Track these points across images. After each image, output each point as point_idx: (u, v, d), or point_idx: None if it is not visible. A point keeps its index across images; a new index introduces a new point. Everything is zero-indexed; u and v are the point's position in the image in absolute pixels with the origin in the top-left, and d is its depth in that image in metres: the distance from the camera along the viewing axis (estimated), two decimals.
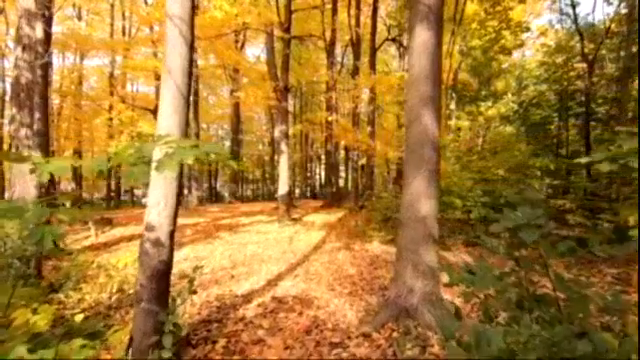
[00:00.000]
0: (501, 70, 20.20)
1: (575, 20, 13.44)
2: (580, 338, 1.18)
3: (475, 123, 20.73)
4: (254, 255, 7.18)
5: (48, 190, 7.26)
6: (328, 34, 15.99)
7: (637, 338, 1.26)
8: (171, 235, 2.95)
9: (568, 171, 13.85)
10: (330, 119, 14.15)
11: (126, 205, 23.64)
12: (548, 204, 9.70)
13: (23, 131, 5.95)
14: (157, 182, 2.89)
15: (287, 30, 11.50)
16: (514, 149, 11.86)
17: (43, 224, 1.89)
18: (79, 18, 21.49)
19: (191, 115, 21.41)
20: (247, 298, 4.66)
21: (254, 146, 34.59)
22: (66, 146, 21.13)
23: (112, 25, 21.55)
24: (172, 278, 5.10)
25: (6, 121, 16.97)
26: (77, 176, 20.76)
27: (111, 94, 20.04)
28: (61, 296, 3.87)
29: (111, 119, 18.93)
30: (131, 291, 4.30)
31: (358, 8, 15.74)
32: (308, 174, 34.51)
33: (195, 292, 3.03)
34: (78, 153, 20.81)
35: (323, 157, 27.37)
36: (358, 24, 15.72)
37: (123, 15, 22.08)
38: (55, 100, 21.27)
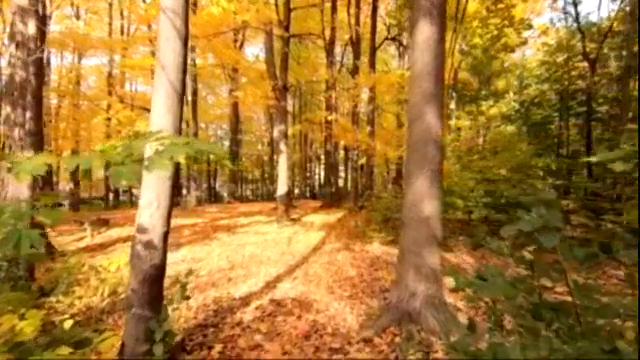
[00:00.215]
0: (502, 69, 20.10)
1: (577, 18, 13.33)
2: (611, 355, 1.07)
3: (475, 123, 20.63)
4: (252, 256, 7.06)
5: (43, 190, 7.15)
6: (327, 33, 15.87)
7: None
8: (164, 237, 2.83)
9: (569, 171, 13.77)
10: (330, 118, 14.03)
11: (124, 205, 23.51)
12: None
13: (16, 130, 5.83)
14: (149, 182, 2.78)
15: (286, 28, 11.39)
16: (515, 149, 11.75)
17: (26, 226, 1.78)
18: (77, 17, 21.37)
19: (190, 115, 21.31)
20: (245, 301, 4.54)
21: (253, 146, 34.47)
22: (64, 146, 20.99)
23: (110, 24, 21.43)
24: (168, 280, 4.99)
25: (2, 120, 16.83)
26: (75, 176, 20.60)
27: (109, 94, 19.94)
28: (53, 300, 3.74)
29: (109, 119, 18.82)
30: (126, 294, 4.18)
31: (358, 7, 15.63)
32: (307, 174, 34.39)
33: (188, 298, 2.91)
34: (76, 153, 20.67)
35: (322, 157, 27.25)
36: (358, 23, 15.62)
37: (121, 14, 21.97)
38: (53, 100, 21.15)
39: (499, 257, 7.63)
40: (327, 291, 4.96)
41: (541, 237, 1.24)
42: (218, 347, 3.28)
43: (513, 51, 16.49)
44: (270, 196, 26.42)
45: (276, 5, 11.49)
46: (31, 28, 5.36)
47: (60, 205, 23.50)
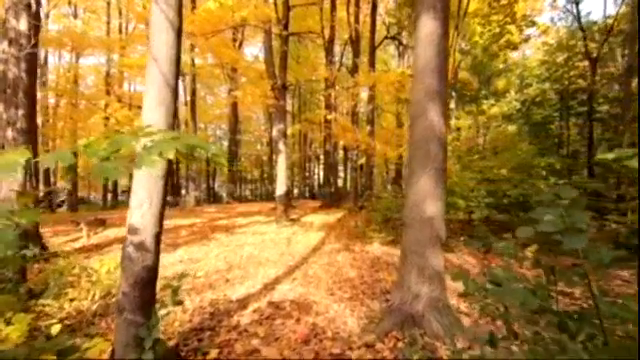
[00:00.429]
0: (502, 69, 20.01)
1: (578, 17, 13.22)
2: None
3: (475, 122, 20.54)
4: (251, 257, 6.94)
5: (37, 189, 7.02)
6: (327, 32, 15.77)
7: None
8: (157, 238, 2.71)
9: (569, 171, 13.67)
10: (329, 117, 13.92)
11: (123, 205, 23.33)
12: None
13: (9, 129, 5.71)
14: (141, 180, 2.65)
15: (285, 26, 11.29)
16: (517, 148, 11.64)
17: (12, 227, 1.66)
18: (75, 16, 21.25)
19: (189, 115, 21.23)
20: (242, 303, 4.41)
21: (252, 146, 34.34)
22: (61, 146, 20.87)
23: (108, 23, 21.31)
24: (163, 282, 4.87)
25: None
26: (74, 176, 20.43)
27: (107, 93, 19.80)
28: (43, 303, 3.61)
29: (107, 118, 18.70)
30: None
31: (357, 5, 15.54)
32: (306, 174, 34.29)
33: (180, 303, 2.78)
34: (74, 153, 20.48)
35: (322, 157, 27.14)
36: (357, 21, 15.52)
37: (120, 13, 21.86)
38: (51, 99, 21.03)
39: (501, 258, 7.53)
40: (327, 293, 4.83)
41: (566, 239, 1.11)
42: (214, 353, 3.15)
43: (516, 48, 16.39)
44: (269, 196, 26.32)
45: (275, 3, 11.38)
46: (22, 24, 5.23)
47: (59, 205, 23.41)
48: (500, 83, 21.63)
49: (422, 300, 3.43)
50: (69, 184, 20.38)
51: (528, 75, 19.53)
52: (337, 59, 20.16)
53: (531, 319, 1.70)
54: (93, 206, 25.34)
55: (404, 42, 20.04)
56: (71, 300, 3.94)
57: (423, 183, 3.58)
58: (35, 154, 6.30)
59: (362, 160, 17.25)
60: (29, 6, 5.40)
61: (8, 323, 2.40)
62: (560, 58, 16.93)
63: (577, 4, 13.25)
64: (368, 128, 14.85)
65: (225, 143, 29.99)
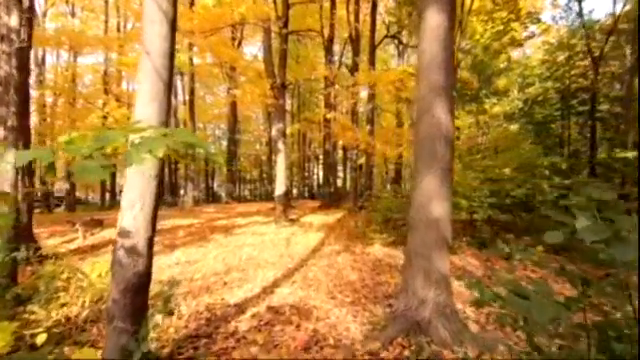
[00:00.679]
0: (502, 68, 19.87)
1: (580, 15, 13.08)
2: None
3: (476, 121, 20.42)
4: (249, 259, 6.78)
5: (32, 188, 6.85)
6: (326, 30, 15.64)
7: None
8: (149, 242, 2.56)
9: (571, 170, 13.54)
10: (329, 117, 13.77)
11: None
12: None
13: (1, 128, 5.54)
14: (133, 181, 2.50)
15: (284, 25, 11.14)
16: (519, 148, 11.50)
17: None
18: (72, 15, 21.08)
19: (187, 114, 21.03)
20: (240, 308, 4.25)
21: (251, 146, 34.17)
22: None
23: (106, 22, 21.14)
24: (159, 286, 4.72)
25: None
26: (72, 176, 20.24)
27: (105, 92, 19.62)
28: (34, 308, 3.44)
29: (105, 117, 18.51)
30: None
31: (357, 4, 15.40)
32: (306, 174, 34.15)
33: (172, 313, 2.62)
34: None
35: (321, 157, 26.99)
36: (357, 19, 15.37)
37: (117, 11, 21.68)
38: (48, 98, 20.84)
39: (503, 259, 7.39)
40: (327, 297, 4.68)
41: (612, 250, 0.97)
42: None
43: (521, 45, 16.24)
44: (268, 196, 26.16)
45: (274, 1, 11.24)
46: (14, 19, 5.07)
47: (57, 205, 23.21)
48: (500, 82, 21.48)
49: (428, 306, 3.28)
50: (67, 184, 20.18)
51: (529, 74, 19.40)
52: (337, 58, 20.03)
53: (556, 333, 1.55)
54: (91, 206, 25.15)
55: (404, 41, 19.92)
56: (62, 305, 3.79)
57: (428, 183, 3.43)
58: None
59: (362, 160, 17.10)
60: (20, 1, 5.23)
61: None
62: (561, 57, 16.79)
63: (580, 1, 13.09)
64: (368, 127, 14.70)
65: (224, 143, 29.84)
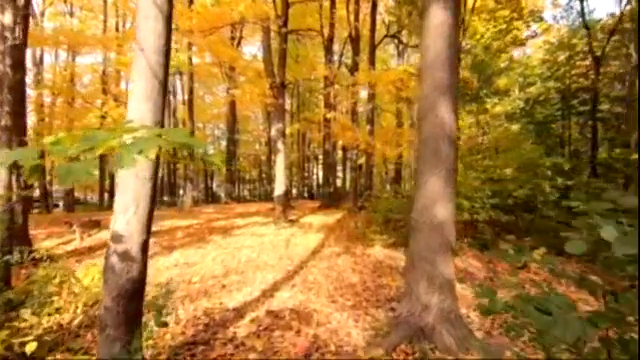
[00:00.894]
0: (502, 68, 19.80)
1: (582, 14, 13.00)
2: None
3: (476, 121, 20.34)
4: (248, 261, 6.68)
5: (29, 189, 6.75)
6: (326, 30, 15.55)
7: None
8: (144, 247, 2.45)
9: (572, 170, 13.45)
10: (329, 116, 13.66)
11: None
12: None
13: None
14: (126, 183, 2.40)
15: (284, 24, 11.04)
16: (520, 148, 11.42)
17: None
18: (71, 15, 20.98)
19: (186, 114, 20.92)
20: (239, 313, 4.15)
21: (251, 146, 34.06)
22: None
23: (105, 22, 21.00)
24: (156, 289, 4.62)
25: None
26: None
27: (104, 92, 19.51)
28: (26, 315, 3.32)
29: (104, 117, 18.40)
30: None
31: (357, 3, 15.30)
32: (305, 174, 34.04)
33: (166, 324, 2.52)
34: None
35: (320, 157, 26.90)
36: (357, 19, 15.28)
37: (116, 12, 21.55)
38: (47, 98, 20.73)
39: (504, 261, 7.29)
40: (328, 300, 4.58)
41: None
42: None
43: (523, 44, 16.16)
44: (268, 196, 26.06)
45: (273, 1, 11.13)
46: (7, 17, 4.96)
47: (55, 206, 23.08)
48: (501, 82, 21.43)
49: (432, 311, 3.18)
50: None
51: (529, 74, 19.34)
52: (336, 58, 19.93)
53: (575, 347, 1.45)
54: (90, 206, 25.04)
55: (404, 41, 19.83)
56: (57, 309, 3.68)
57: (433, 185, 3.34)
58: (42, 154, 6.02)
59: (362, 160, 17.01)
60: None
61: None
62: (561, 57, 16.73)
63: (582, 0, 12.99)
64: (368, 127, 14.61)
65: (223, 143, 29.73)
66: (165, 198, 26.95)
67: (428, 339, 3.08)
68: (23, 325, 3.11)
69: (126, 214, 2.37)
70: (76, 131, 19.80)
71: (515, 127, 17.54)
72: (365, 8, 16.84)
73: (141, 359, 2.21)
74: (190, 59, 18.75)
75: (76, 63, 21.09)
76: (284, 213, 10.89)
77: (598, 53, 13.11)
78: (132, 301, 2.38)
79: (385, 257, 6.98)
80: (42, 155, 1.41)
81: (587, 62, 15.18)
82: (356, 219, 11.42)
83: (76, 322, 3.44)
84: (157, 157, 2.43)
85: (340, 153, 23.52)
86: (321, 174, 24.23)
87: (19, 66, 5.36)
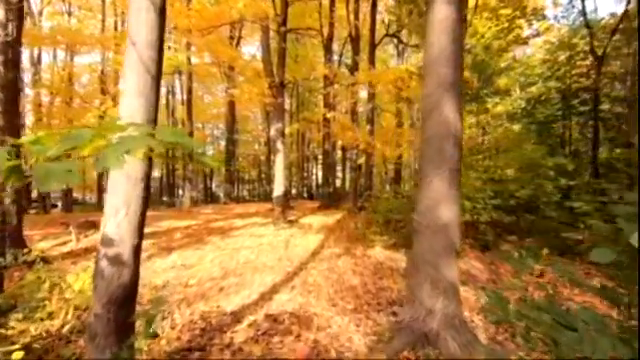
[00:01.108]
0: (503, 67, 19.71)
1: (584, 13, 12.90)
2: None
3: (477, 121, 20.27)
4: (247, 262, 6.57)
5: (19, 192, 6.64)
6: (326, 29, 15.44)
7: None
8: (135, 251, 2.34)
9: (575, 171, 13.35)
10: (328, 116, 13.55)
11: None
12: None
13: None
14: (117, 184, 2.29)
15: (283, 22, 10.94)
16: (522, 148, 11.32)
17: None
18: (69, 14, 20.87)
19: (185, 114, 20.81)
20: (237, 316, 4.04)
21: (250, 146, 33.93)
22: None
23: (103, 21, 20.89)
24: (153, 292, 4.51)
25: None
26: None
27: (102, 91, 19.39)
28: (12, 322, 3.20)
29: (102, 116, 18.28)
30: None
31: (357, 2, 15.20)
32: (305, 174, 33.92)
33: (156, 335, 2.41)
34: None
35: (320, 157, 26.79)
36: (357, 18, 15.18)
37: (115, 11, 21.43)
38: (45, 98, 20.62)
39: (507, 262, 7.19)
40: (328, 304, 4.47)
41: None
42: None
43: (526, 43, 16.06)
44: (267, 196, 25.93)
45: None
46: (0, 14, 4.85)
47: (54, 206, 22.93)
48: (501, 82, 21.35)
49: (436, 316, 3.07)
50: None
51: (530, 74, 19.25)
52: (336, 57, 19.83)
53: None
54: (88, 207, 24.89)
55: (404, 40, 19.72)
56: (50, 314, 3.57)
57: (437, 185, 3.23)
58: (18, 153, 5.91)
59: (361, 160, 16.89)
60: None
61: None
62: (562, 57, 16.63)
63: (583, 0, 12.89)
64: (368, 127, 14.50)
65: (222, 143, 29.60)
66: (164, 198, 26.84)
67: (432, 345, 2.98)
68: (11, 333, 3.00)
69: (117, 217, 2.26)
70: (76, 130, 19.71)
71: (516, 127, 17.46)
72: (365, 7, 16.73)
73: None
74: (189, 59, 18.65)
75: (74, 63, 20.98)
76: (283, 213, 10.77)
77: (599, 53, 13.01)
78: (123, 308, 2.27)
79: (386, 258, 6.87)
80: (18, 155, 1.30)
81: (588, 62, 15.08)
82: (356, 220, 11.30)
83: (67, 328, 3.32)
84: (150, 157, 2.32)
85: (340, 153, 23.41)
86: (320, 174, 24.13)
87: (12, 64, 5.23)
